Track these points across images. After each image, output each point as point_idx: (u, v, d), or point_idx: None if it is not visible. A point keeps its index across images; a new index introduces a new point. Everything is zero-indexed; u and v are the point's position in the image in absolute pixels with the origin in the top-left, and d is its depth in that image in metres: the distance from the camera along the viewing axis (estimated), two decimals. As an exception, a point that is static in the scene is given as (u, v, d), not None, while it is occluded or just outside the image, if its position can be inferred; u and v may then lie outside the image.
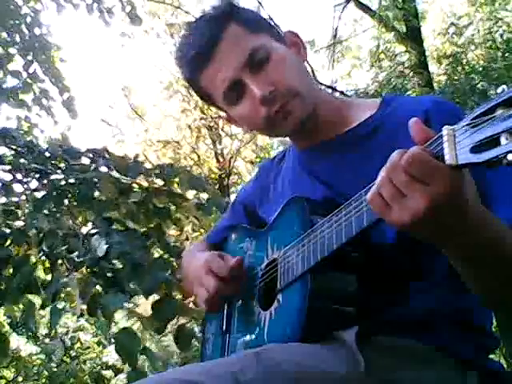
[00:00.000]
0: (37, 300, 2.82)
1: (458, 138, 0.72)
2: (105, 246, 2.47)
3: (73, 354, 9.34)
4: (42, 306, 2.65)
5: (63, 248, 2.53)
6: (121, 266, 2.55)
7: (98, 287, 2.47)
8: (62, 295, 2.74)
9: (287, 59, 1.17)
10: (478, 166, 0.70)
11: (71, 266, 2.46)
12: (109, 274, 2.45)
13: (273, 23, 1.25)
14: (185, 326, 2.51)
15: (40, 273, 2.80)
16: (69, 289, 2.70)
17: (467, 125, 0.71)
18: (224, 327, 1.29)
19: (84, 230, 2.83)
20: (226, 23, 1.15)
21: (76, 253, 2.50)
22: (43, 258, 2.68)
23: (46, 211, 2.77)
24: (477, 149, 0.68)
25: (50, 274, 2.75)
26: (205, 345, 1.42)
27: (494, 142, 0.66)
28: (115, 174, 3.02)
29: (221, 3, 1.20)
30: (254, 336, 1.16)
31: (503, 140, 0.65)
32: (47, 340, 8.53)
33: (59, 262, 2.55)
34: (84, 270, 2.53)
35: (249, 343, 1.17)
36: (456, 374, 0.99)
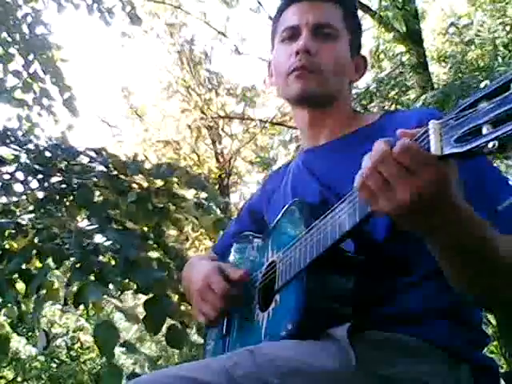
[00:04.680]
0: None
1: (444, 130, 0.75)
2: (95, 241, 2.48)
3: (73, 354, 9.36)
4: (25, 296, 2.65)
5: (54, 242, 2.52)
6: (110, 262, 2.55)
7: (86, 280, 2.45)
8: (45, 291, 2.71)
9: (341, 58, 1.28)
10: (461, 156, 0.73)
11: (58, 258, 2.45)
12: (96, 269, 2.44)
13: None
14: (175, 325, 2.49)
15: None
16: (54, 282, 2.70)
17: (452, 118, 0.74)
18: (224, 330, 1.30)
19: (81, 226, 2.84)
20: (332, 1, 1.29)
21: (67, 246, 2.50)
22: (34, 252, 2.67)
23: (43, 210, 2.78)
24: (461, 139, 0.72)
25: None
26: (205, 350, 1.43)
27: (476, 132, 0.69)
28: (114, 172, 3.02)
29: None
30: (253, 337, 1.17)
31: (484, 130, 0.68)
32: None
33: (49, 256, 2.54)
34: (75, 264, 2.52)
35: (248, 344, 1.17)
36: (449, 367, 1.00)
